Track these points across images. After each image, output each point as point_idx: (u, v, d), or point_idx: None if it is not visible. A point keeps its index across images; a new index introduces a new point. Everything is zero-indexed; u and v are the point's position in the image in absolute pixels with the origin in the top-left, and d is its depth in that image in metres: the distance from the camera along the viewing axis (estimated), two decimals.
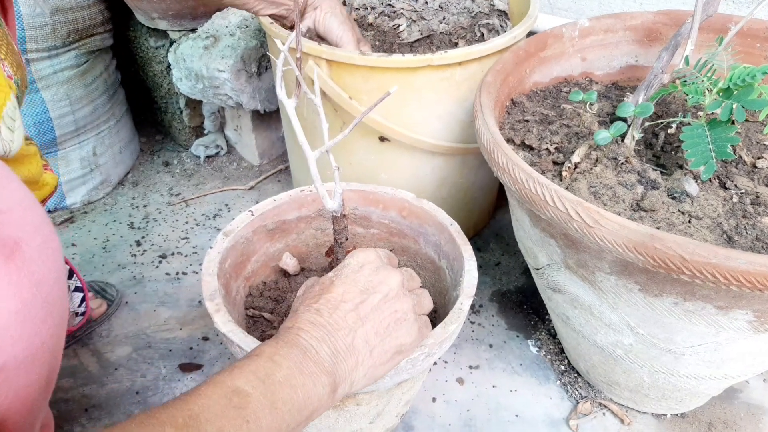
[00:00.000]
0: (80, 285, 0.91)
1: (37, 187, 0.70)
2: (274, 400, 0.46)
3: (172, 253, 1.20)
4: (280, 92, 0.62)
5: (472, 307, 1.06)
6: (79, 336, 1.01)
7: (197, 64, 1.23)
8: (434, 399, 0.90)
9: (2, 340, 0.43)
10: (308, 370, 0.50)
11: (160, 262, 1.18)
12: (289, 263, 0.81)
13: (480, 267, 1.14)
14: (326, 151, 0.64)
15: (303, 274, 0.83)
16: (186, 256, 1.20)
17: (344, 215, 0.66)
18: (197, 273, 1.16)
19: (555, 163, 0.74)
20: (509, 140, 0.78)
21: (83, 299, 0.91)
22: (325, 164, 0.66)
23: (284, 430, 0.47)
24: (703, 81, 0.70)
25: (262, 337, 0.72)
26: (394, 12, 1.09)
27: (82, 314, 0.89)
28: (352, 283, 0.57)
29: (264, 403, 0.46)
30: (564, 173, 0.70)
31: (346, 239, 0.67)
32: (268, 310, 0.77)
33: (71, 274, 0.90)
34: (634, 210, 0.65)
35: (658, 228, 0.61)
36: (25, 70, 0.67)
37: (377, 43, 1.05)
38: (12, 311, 0.44)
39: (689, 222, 0.63)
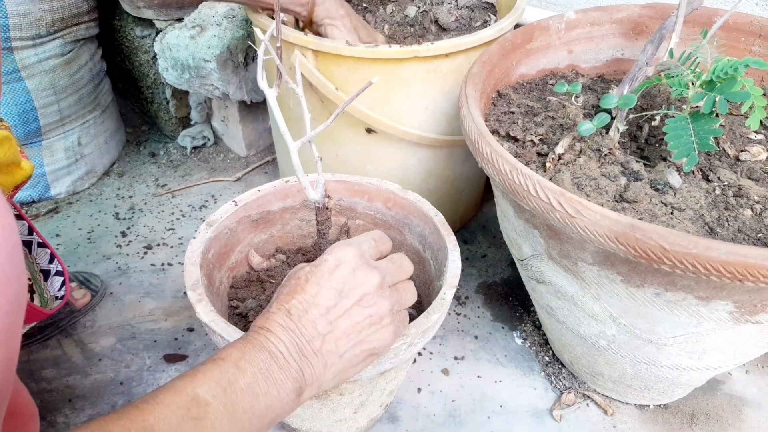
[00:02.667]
0: (61, 269, 0.90)
1: (13, 169, 0.69)
2: (234, 410, 0.46)
3: (158, 244, 1.20)
4: (261, 82, 0.62)
5: (458, 298, 1.06)
6: (63, 326, 1.00)
7: (183, 54, 1.22)
8: (419, 389, 0.91)
9: None
10: (273, 376, 0.49)
11: (145, 253, 1.18)
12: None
13: (466, 259, 1.15)
14: (309, 142, 0.64)
15: (285, 265, 0.83)
16: (171, 247, 1.19)
17: (327, 207, 0.66)
18: (183, 264, 1.15)
19: (539, 154, 0.74)
20: (494, 132, 0.78)
21: (63, 283, 0.90)
22: (309, 155, 0.66)
23: None
24: (686, 74, 0.71)
25: (246, 327, 0.72)
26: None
27: (61, 298, 0.89)
28: (327, 284, 0.54)
29: (223, 412, 0.45)
30: (548, 164, 0.70)
31: (330, 230, 0.67)
32: (251, 300, 0.76)
33: (52, 258, 0.89)
34: (617, 201, 0.65)
35: (640, 219, 0.62)
36: None
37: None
38: None
39: (671, 213, 0.64)
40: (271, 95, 0.63)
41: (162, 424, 0.42)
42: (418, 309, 0.77)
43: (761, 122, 0.78)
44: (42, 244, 0.88)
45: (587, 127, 0.67)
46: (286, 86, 1.03)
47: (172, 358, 0.96)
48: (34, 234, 0.87)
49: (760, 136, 0.77)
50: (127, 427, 0.41)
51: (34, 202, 1.30)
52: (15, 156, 0.68)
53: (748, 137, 0.77)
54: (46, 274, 0.88)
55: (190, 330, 1.01)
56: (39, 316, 0.80)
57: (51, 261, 0.89)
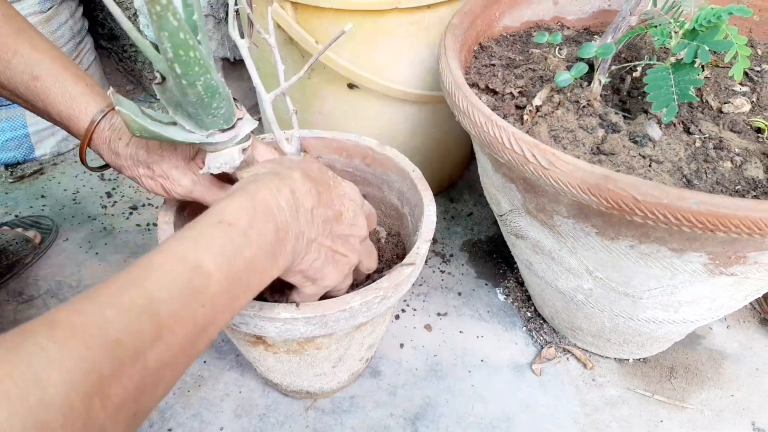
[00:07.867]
0: None
1: None
2: (232, 284, 0.43)
3: (143, 205, 1.19)
4: (233, 32, 0.60)
5: (443, 256, 1.06)
6: (29, 262, 1.04)
7: None
8: (402, 345, 0.91)
9: None
10: (274, 253, 0.47)
11: (130, 213, 1.17)
12: None
13: (452, 218, 1.14)
14: (283, 94, 0.63)
15: None
16: (157, 207, 1.19)
17: None
18: None
19: (518, 107, 0.72)
20: (474, 85, 0.77)
21: None
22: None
23: (230, 311, 0.44)
24: (669, 23, 0.69)
25: None
26: None
27: None
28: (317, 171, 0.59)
29: (223, 286, 0.42)
30: (525, 117, 0.69)
31: None
32: None
33: None
34: (594, 153, 0.64)
35: (617, 171, 0.61)
36: None
37: None
38: None
39: (649, 166, 0.63)
40: (243, 46, 0.62)
41: (161, 292, 0.37)
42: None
43: (746, 73, 0.77)
44: None
45: (564, 77, 0.66)
46: (267, 42, 1.01)
47: None
48: None
49: (744, 88, 0.76)
50: (119, 294, 0.36)
51: (19, 163, 1.29)
52: None
53: (732, 89, 0.75)
54: None
55: None
56: None
57: None
